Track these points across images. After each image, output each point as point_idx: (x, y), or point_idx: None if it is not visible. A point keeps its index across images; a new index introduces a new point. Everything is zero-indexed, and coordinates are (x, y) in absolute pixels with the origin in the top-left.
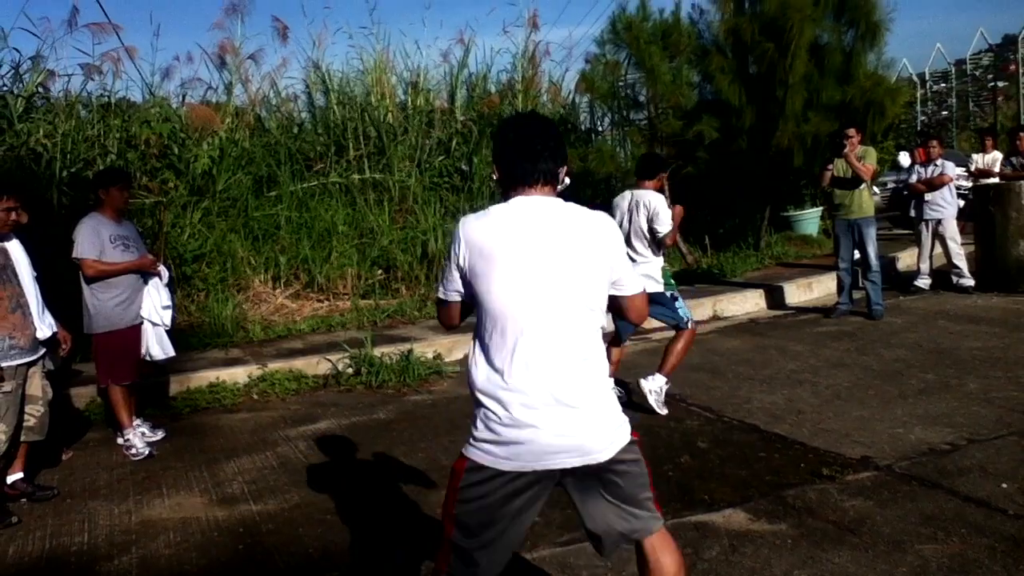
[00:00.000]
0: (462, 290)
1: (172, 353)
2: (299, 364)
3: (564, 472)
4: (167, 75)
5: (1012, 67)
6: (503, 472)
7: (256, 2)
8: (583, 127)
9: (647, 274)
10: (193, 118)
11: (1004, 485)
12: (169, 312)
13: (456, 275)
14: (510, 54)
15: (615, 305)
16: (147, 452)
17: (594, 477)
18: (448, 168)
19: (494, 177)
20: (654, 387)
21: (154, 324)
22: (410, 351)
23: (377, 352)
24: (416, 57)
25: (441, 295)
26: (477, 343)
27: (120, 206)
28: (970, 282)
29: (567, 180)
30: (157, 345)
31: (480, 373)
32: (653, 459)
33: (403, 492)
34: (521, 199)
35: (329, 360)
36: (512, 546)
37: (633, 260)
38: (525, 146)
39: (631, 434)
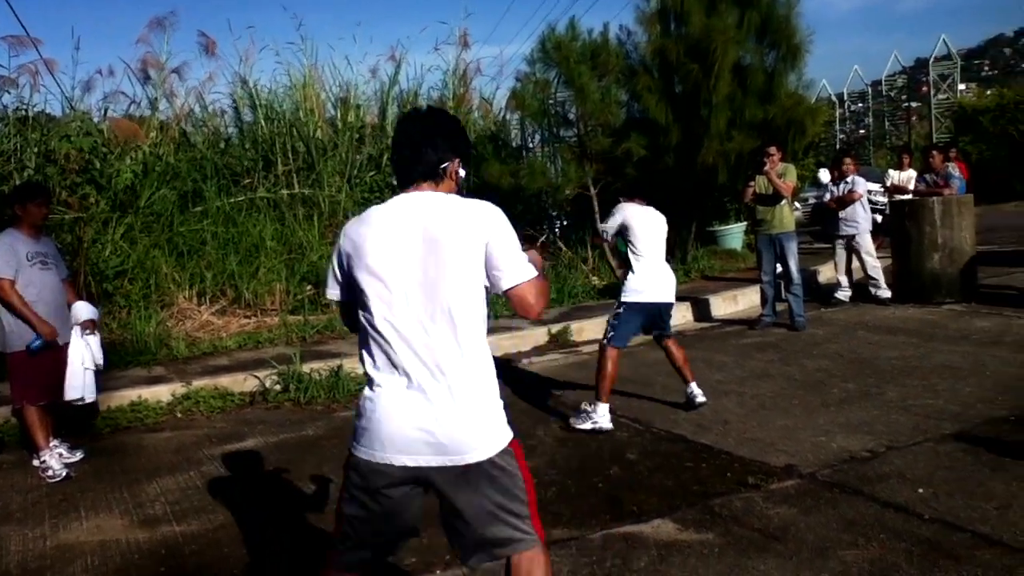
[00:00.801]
0: (338, 291)
1: (96, 395)
2: (225, 381)
3: (432, 470)
4: (88, 88)
5: (924, 88)
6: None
7: (181, 18)
8: (514, 143)
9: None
10: (116, 132)
11: (921, 490)
12: (100, 353)
13: (335, 275)
14: (441, 71)
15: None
16: (64, 474)
17: (462, 478)
18: (379, 184)
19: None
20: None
21: (86, 368)
22: (339, 366)
23: (306, 368)
24: (346, 73)
25: (326, 295)
26: (360, 341)
27: (38, 222)
28: (886, 293)
29: (462, 172)
30: (92, 387)
31: (364, 367)
32: (583, 471)
33: (331, 510)
34: (398, 197)
35: (256, 377)
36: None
37: None
38: (402, 144)
39: (510, 443)
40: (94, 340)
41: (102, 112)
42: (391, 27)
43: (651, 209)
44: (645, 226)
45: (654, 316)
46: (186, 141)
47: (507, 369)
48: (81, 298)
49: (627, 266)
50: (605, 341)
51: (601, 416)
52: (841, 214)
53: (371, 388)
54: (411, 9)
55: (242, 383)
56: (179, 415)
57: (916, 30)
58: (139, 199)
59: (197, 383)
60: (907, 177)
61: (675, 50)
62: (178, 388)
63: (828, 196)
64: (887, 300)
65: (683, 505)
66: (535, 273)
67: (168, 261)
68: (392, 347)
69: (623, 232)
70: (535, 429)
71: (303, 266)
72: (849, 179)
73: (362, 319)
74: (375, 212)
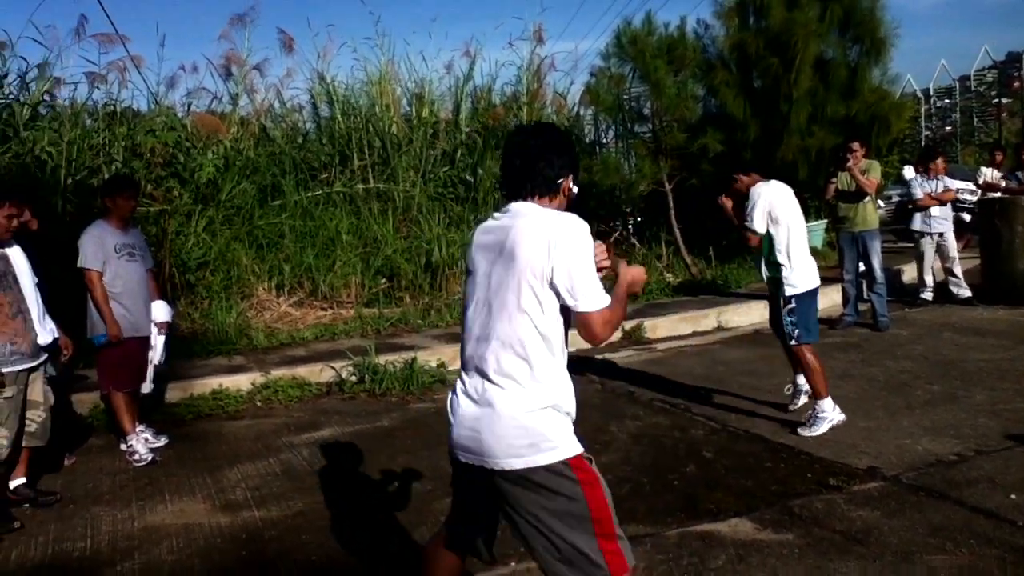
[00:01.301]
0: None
1: (152, 389)
2: (302, 371)
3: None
4: (172, 85)
5: (1016, 83)
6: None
7: (262, 15)
8: (588, 139)
9: None
10: (198, 127)
11: (1013, 496)
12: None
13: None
14: (515, 67)
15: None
16: (150, 458)
17: (503, 487)
18: (453, 179)
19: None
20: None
21: (151, 363)
22: (414, 359)
23: (381, 360)
24: (421, 69)
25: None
26: None
27: (126, 214)
28: (967, 292)
29: (574, 189)
30: (150, 381)
31: None
32: (658, 469)
33: (406, 499)
34: (507, 207)
35: (333, 368)
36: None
37: None
38: (514, 156)
39: (568, 461)
40: (161, 340)
41: (186, 107)
42: (466, 23)
43: (780, 184)
44: (790, 206)
45: None
46: (265, 136)
47: (581, 365)
48: (163, 289)
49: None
50: (794, 342)
51: (829, 410)
52: (933, 211)
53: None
54: (486, 5)
55: (319, 373)
56: (259, 404)
57: (1008, 23)
58: (220, 192)
59: (276, 373)
60: (998, 175)
61: (754, 44)
62: (258, 377)
63: (920, 192)
64: (969, 299)
65: (761, 505)
66: (606, 303)
67: (248, 253)
68: (469, 344)
69: (771, 220)
70: (609, 425)
71: (378, 260)
72: (942, 177)
73: None
74: (485, 222)
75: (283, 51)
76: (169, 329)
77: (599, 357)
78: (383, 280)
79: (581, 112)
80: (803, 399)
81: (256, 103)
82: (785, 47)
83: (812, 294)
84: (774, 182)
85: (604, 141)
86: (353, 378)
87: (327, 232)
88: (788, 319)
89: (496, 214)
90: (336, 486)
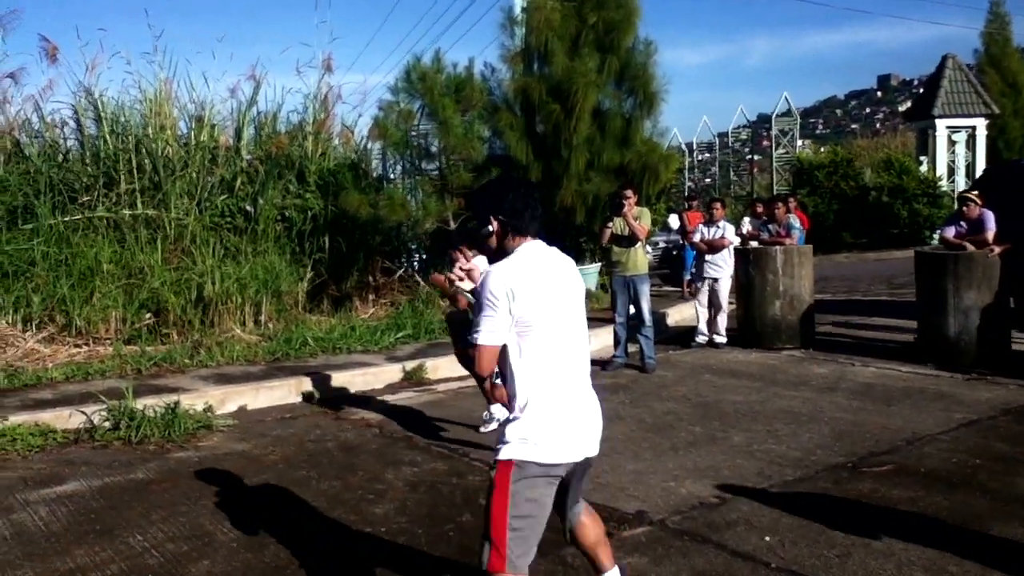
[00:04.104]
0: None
1: None
2: (47, 417)
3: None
4: None
5: (764, 142)
6: None
7: (27, 21)
8: (375, 173)
9: None
10: None
11: (767, 538)
12: None
13: (505, 318)
14: (302, 95)
15: None
16: None
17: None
18: (231, 208)
19: (491, 229)
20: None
21: None
22: (177, 403)
23: (139, 404)
24: (202, 90)
25: (489, 340)
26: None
27: None
28: (723, 339)
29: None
30: None
31: None
32: (434, 519)
33: (159, 561)
34: (535, 244)
35: (83, 412)
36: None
37: None
38: (533, 201)
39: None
40: None
41: None
42: (253, 46)
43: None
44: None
45: None
46: (19, 152)
47: (360, 406)
48: None
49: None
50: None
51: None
52: (707, 257)
53: None
54: (275, 28)
55: (67, 419)
56: None
57: (760, 87)
58: None
59: (15, 418)
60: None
61: (538, 89)
62: None
63: (699, 237)
64: (722, 344)
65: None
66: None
67: None
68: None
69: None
70: (385, 472)
71: (143, 292)
72: (720, 224)
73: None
74: (530, 257)
75: (45, 60)
76: None
77: (379, 399)
78: (148, 315)
79: (369, 146)
80: (494, 424)
81: (9, 115)
82: (567, 95)
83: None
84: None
85: (391, 176)
86: (106, 424)
87: (85, 260)
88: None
89: (530, 251)
90: (76, 551)
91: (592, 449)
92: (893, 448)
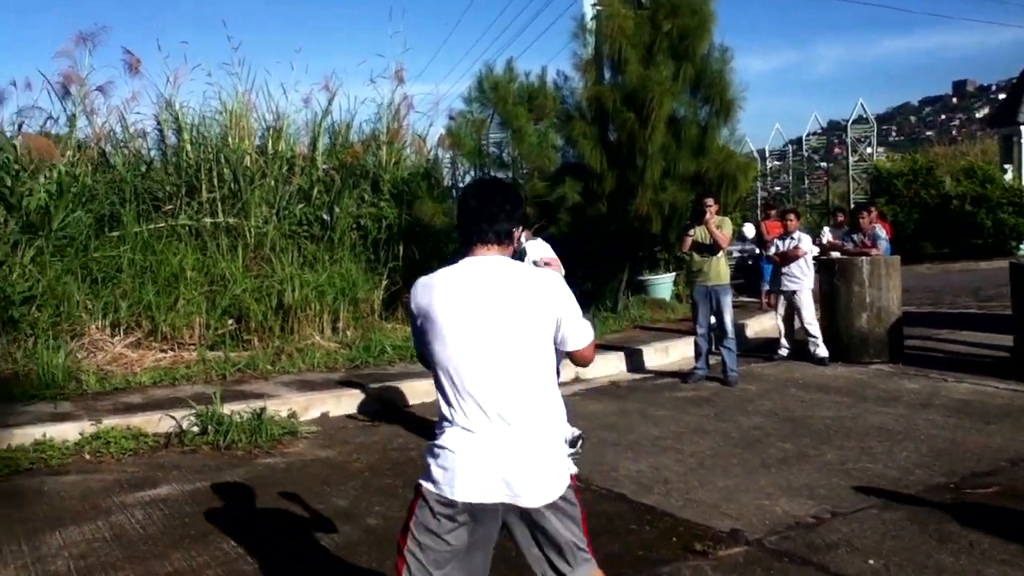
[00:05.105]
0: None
1: None
2: (138, 420)
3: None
4: (1, 101)
5: (835, 150)
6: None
7: (110, 33)
8: (447, 182)
9: None
10: (29, 149)
11: (871, 561)
12: None
13: (418, 332)
14: (375, 104)
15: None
16: None
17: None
18: (308, 216)
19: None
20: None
21: None
22: (263, 409)
23: (226, 409)
24: (280, 100)
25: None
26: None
27: None
28: (824, 352)
29: (523, 240)
30: None
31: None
32: None
33: (250, 572)
34: (470, 259)
35: (172, 417)
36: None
37: None
38: (481, 206)
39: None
40: None
41: (16, 127)
42: (328, 58)
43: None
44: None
45: None
46: (105, 162)
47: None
48: None
49: None
50: None
51: None
52: (784, 269)
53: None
54: (351, 40)
55: (156, 423)
56: (87, 456)
57: (829, 94)
58: (52, 221)
59: (108, 421)
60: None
61: (611, 98)
62: (87, 427)
63: (773, 250)
64: (824, 359)
65: (630, 572)
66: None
67: (80, 288)
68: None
69: None
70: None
71: (225, 299)
72: (795, 235)
73: (439, 373)
74: (446, 274)
75: (128, 73)
76: None
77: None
78: (230, 321)
79: (440, 154)
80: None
81: (96, 126)
82: (641, 103)
83: None
84: None
85: (461, 185)
86: (195, 429)
87: (170, 268)
88: None
89: (453, 267)
90: (173, 552)
91: (524, 496)
92: (996, 469)
